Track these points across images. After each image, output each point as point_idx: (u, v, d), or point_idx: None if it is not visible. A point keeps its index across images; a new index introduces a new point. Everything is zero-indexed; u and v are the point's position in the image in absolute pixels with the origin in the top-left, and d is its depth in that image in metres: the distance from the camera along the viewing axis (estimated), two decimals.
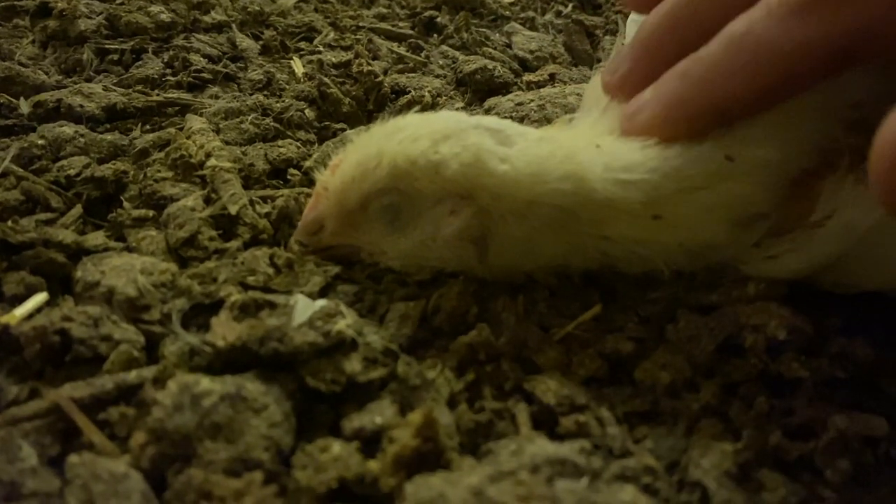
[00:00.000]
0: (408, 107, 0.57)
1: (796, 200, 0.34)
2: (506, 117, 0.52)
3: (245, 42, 0.67)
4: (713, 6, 0.35)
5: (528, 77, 0.64)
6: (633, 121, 0.35)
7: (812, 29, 0.30)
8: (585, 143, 0.35)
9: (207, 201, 0.42)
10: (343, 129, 0.54)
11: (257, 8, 0.74)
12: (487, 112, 0.56)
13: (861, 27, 0.29)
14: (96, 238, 0.40)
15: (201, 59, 0.63)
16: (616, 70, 0.38)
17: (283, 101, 0.56)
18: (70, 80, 0.59)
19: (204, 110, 0.54)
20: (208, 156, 0.45)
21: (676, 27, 0.37)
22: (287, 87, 0.59)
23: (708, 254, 0.35)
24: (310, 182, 0.46)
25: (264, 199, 0.44)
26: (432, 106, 0.57)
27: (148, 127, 0.53)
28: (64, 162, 0.46)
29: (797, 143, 0.34)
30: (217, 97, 0.57)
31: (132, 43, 0.64)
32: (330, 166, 0.38)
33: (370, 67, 0.60)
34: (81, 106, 0.52)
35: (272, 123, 0.52)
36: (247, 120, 0.52)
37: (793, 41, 0.30)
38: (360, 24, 0.75)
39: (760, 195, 0.34)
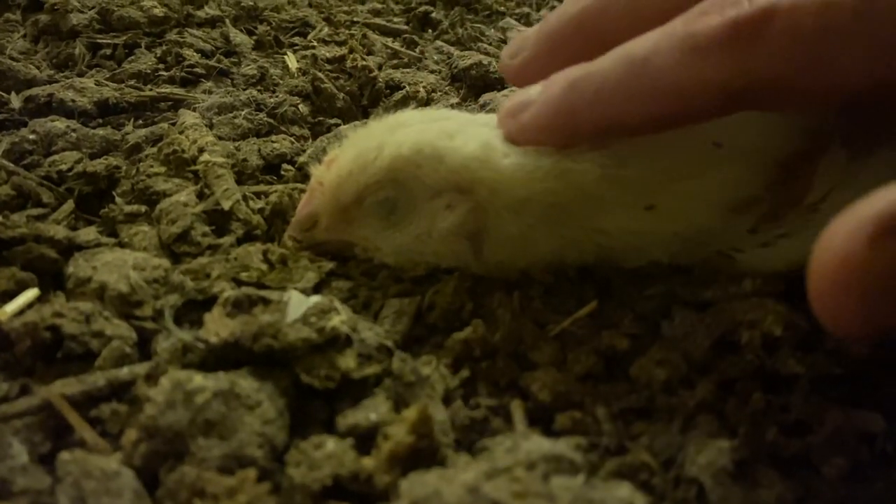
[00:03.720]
0: (402, 102, 0.57)
1: (789, 184, 0.34)
2: None
3: (239, 37, 0.67)
4: (623, 11, 0.34)
5: None
6: (515, 118, 0.34)
7: (713, 69, 0.29)
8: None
9: (200, 197, 0.42)
10: (337, 125, 0.54)
11: (251, 3, 0.74)
12: (483, 107, 0.56)
13: (761, 75, 0.29)
14: (88, 233, 0.39)
15: (194, 53, 0.62)
16: (516, 54, 0.37)
17: (277, 97, 0.55)
18: (62, 74, 0.58)
19: (197, 105, 0.54)
20: (201, 151, 0.45)
21: (583, 23, 0.36)
22: (281, 82, 0.59)
23: (704, 241, 0.35)
24: (303, 177, 0.46)
25: (258, 195, 0.44)
26: (427, 101, 0.57)
27: (140, 122, 0.53)
28: (56, 157, 0.46)
29: (784, 126, 0.34)
30: (210, 92, 0.57)
31: (125, 37, 0.64)
32: (325, 161, 0.38)
33: (364, 62, 0.60)
34: (73, 101, 0.52)
35: (266, 118, 0.52)
36: (240, 115, 0.52)
37: (692, 79, 0.30)
38: (355, 19, 0.75)
39: (751, 179, 0.34)
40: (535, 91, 0.34)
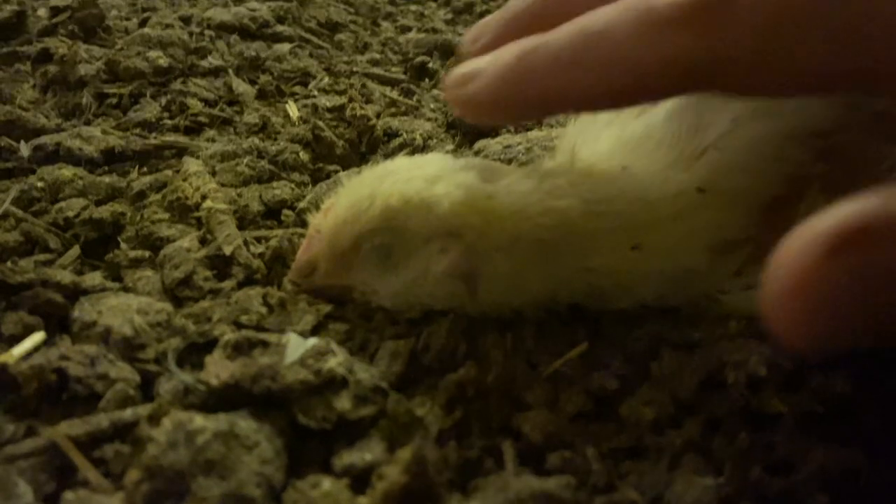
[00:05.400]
0: (400, 149, 0.58)
1: (771, 228, 0.35)
2: (494, 160, 0.53)
3: (241, 86, 0.69)
4: None
5: None
6: (461, 88, 0.33)
7: (672, 45, 0.28)
8: (566, 178, 0.36)
9: (203, 242, 0.43)
10: (336, 171, 0.55)
11: (253, 53, 0.76)
12: (476, 154, 0.57)
13: (722, 55, 0.28)
14: (93, 278, 0.40)
15: (198, 102, 0.64)
16: (477, 39, 0.36)
17: (278, 144, 0.57)
18: (69, 123, 0.60)
19: (200, 153, 0.55)
20: (204, 198, 0.46)
21: (546, 6, 0.35)
22: (282, 130, 0.60)
23: (690, 282, 0.36)
24: (303, 223, 0.47)
25: (258, 240, 0.45)
26: (423, 148, 0.59)
27: (145, 169, 0.54)
28: (62, 204, 0.47)
29: (766, 172, 0.35)
30: (213, 140, 0.59)
31: (131, 87, 0.65)
32: (322, 209, 0.39)
33: (363, 111, 0.61)
34: (80, 149, 0.53)
35: (267, 165, 0.53)
36: (242, 162, 0.53)
37: (650, 54, 0.28)
38: (354, 69, 0.77)
39: (733, 222, 0.35)
40: (484, 61, 0.33)
